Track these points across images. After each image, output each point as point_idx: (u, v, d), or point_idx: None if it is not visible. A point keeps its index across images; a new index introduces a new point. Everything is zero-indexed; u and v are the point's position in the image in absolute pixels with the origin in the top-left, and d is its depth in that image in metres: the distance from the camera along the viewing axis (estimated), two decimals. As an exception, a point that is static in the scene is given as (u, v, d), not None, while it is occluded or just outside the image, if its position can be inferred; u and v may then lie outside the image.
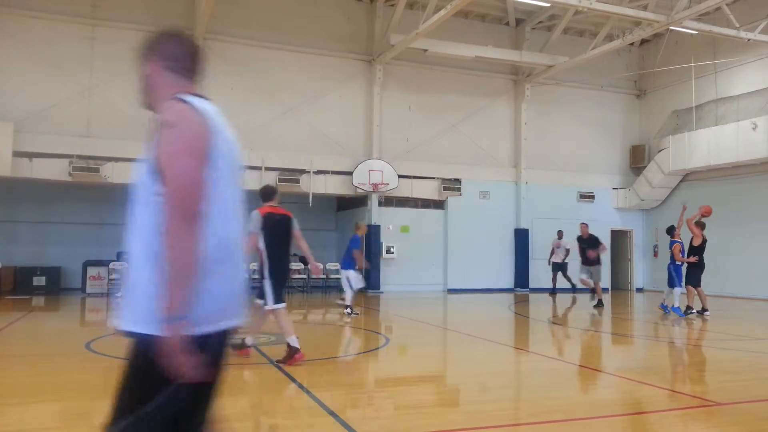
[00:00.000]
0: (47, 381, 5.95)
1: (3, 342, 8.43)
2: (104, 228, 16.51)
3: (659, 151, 19.94)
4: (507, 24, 19.76)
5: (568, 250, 16.75)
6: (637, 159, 21.21)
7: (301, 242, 7.17)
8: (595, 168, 20.84)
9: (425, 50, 17.15)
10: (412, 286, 17.88)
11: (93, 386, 5.83)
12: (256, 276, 7.06)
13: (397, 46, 16.87)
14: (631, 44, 20.28)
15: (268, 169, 16.72)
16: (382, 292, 17.48)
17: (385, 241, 17.96)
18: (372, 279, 17.66)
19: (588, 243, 14.11)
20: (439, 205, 18.91)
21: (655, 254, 20.61)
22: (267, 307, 6.83)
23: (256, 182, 16.62)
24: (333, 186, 17.64)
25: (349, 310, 11.68)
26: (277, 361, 6.75)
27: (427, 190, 18.67)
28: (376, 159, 17.76)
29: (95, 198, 16.50)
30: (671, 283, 12.40)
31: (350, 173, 17.55)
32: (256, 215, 6.99)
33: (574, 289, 16.49)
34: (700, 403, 5.41)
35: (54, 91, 15.17)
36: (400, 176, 17.94)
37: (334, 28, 17.92)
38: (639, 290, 20.93)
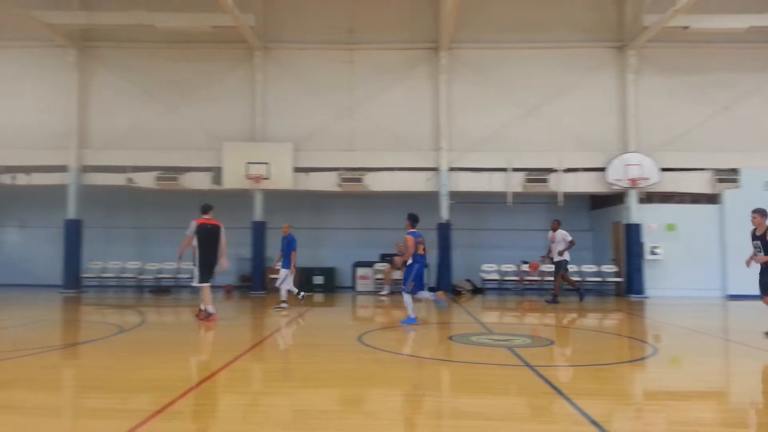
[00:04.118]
0: (324, 369, 6.67)
1: (287, 334, 9.71)
2: (368, 232, 18.38)
3: None
4: (792, -18, 16.70)
5: (571, 242, 14.37)
6: None
7: (223, 246, 10.23)
8: None
9: (686, 27, 15.36)
10: (683, 291, 16.04)
11: (364, 376, 6.38)
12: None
13: (651, 28, 15.41)
14: None
15: (515, 170, 16.60)
16: (646, 297, 16.04)
17: (648, 241, 16.47)
18: (634, 283, 16.31)
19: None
20: (712, 199, 16.71)
21: None
22: (193, 284, 10.11)
23: (502, 184, 16.67)
24: (584, 184, 16.78)
25: (284, 305, 12.68)
26: (196, 316, 10.26)
27: (696, 184, 16.64)
28: (633, 152, 16.42)
29: (359, 205, 18.45)
30: None
31: (603, 169, 16.51)
32: (193, 224, 10.08)
33: (580, 292, 14.77)
34: None
35: (321, 113, 17.11)
36: (661, 169, 16.32)
37: (577, 18, 17.08)
38: None
